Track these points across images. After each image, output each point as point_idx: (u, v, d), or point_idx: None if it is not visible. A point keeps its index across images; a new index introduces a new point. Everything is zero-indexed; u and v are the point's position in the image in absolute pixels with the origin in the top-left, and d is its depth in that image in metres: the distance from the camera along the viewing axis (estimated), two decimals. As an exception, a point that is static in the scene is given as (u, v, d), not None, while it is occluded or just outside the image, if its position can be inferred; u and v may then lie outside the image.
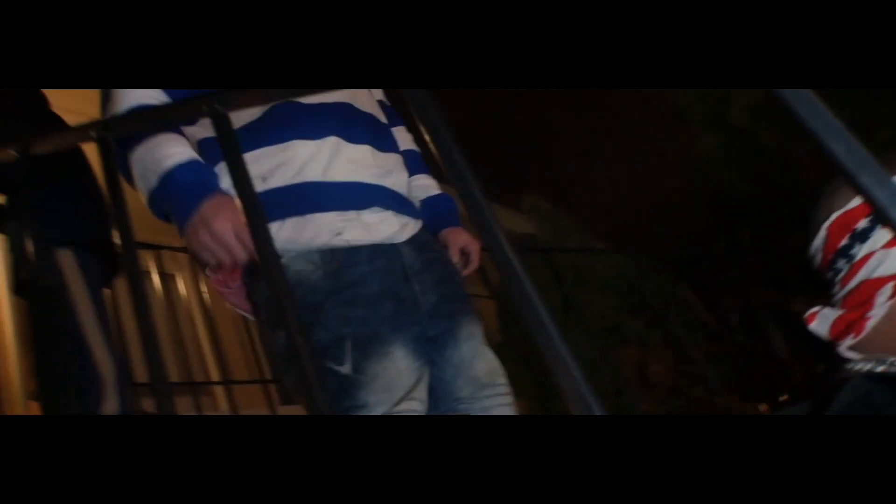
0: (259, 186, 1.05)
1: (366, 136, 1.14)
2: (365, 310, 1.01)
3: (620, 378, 3.52)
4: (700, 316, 3.75)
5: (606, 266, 3.35)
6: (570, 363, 0.38)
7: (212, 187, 1.00)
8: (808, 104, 0.24)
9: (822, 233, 0.71)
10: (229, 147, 0.62)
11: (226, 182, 1.02)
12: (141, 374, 2.88)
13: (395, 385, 0.99)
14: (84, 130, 0.75)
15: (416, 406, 1.00)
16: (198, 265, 1.13)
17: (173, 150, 1.00)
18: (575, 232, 3.85)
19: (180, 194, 0.99)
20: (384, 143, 1.18)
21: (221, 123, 0.63)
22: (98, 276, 2.17)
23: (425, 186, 1.36)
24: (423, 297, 1.09)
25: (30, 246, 0.95)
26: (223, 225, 0.95)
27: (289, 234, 1.04)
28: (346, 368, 0.98)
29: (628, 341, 3.42)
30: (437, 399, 1.11)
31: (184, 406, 2.95)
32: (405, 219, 1.14)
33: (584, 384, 0.37)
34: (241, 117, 1.08)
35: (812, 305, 0.71)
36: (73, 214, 1.85)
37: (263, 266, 0.60)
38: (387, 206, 1.12)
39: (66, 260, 1.99)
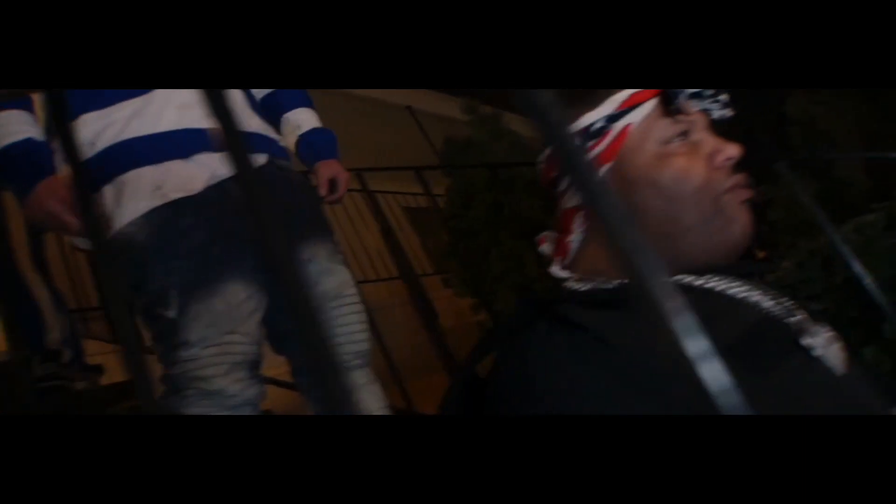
0: (88, 152, 1.11)
1: None
2: (189, 260, 1.07)
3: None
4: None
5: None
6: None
7: (43, 169, 1.06)
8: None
9: (540, 166, 0.78)
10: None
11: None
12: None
13: (222, 321, 1.07)
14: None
15: (237, 339, 1.08)
16: None
17: (13, 129, 1.08)
18: (509, 134, 3.95)
19: (14, 174, 1.07)
20: None
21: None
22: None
23: (300, 122, 1.38)
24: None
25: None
26: (55, 207, 1.04)
27: (114, 195, 1.09)
28: (172, 313, 1.06)
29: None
30: (284, 313, 1.19)
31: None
32: None
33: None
34: None
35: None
36: None
37: (93, 242, 0.73)
38: (215, 149, 1.13)
39: (9, 204, 2.14)
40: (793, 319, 0.68)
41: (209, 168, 1.13)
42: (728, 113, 0.78)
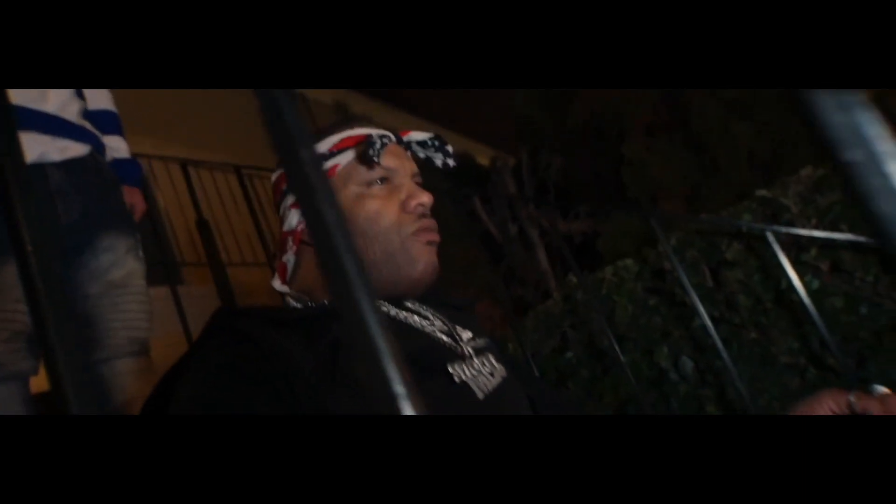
0: None
1: None
2: None
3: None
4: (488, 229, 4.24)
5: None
6: None
7: None
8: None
9: (273, 189, 0.86)
10: None
11: None
12: None
13: (9, 290, 1.10)
14: None
15: (21, 308, 1.12)
16: None
17: None
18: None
19: None
20: None
21: None
22: None
23: (116, 147, 1.50)
24: (66, 215, 1.23)
25: None
26: None
27: None
28: None
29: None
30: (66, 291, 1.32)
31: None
32: (65, 143, 1.25)
33: None
34: None
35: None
36: None
37: None
38: (44, 131, 1.22)
39: None
40: (457, 351, 0.80)
41: (35, 149, 1.19)
42: (451, 161, 0.89)
